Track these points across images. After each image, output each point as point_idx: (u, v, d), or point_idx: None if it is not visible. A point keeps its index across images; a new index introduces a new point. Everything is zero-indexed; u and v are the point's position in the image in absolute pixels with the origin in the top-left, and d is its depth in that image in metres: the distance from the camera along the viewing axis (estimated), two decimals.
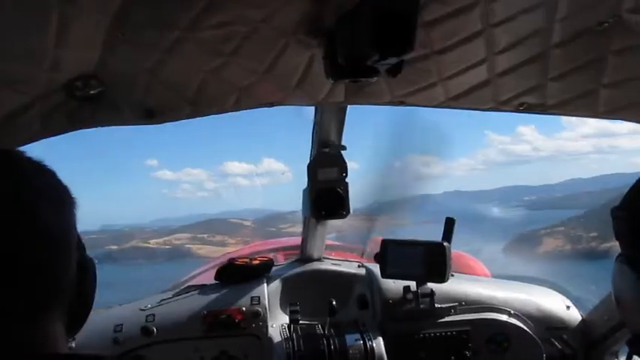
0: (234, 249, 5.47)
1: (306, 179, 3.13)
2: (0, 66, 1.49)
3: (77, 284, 1.08)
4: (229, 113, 1.95)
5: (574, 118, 2.01)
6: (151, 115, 1.82)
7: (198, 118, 1.94)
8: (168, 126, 1.94)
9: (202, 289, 3.42)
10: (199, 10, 1.39)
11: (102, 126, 1.80)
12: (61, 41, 1.42)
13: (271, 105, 1.92)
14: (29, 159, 1.09)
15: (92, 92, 1.66)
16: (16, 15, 1.33)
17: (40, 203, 1.00)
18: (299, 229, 3.63)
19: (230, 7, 1.40)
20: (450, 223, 3.16)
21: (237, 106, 1.89)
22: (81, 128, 1.77)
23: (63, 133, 1.76)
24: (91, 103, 1.70)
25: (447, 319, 3.22)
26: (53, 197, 1.05)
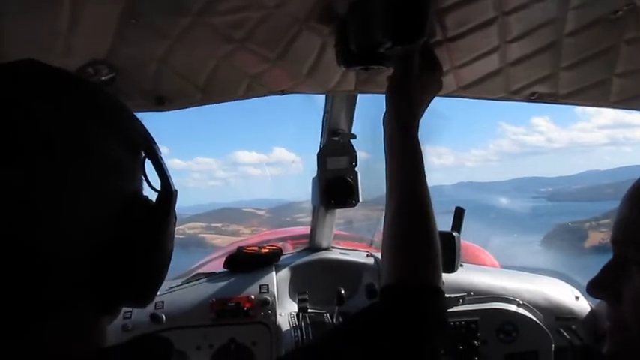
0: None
1: (316, 169, 3.14)
2: (11, 52, 1.49)
3: (126, 247, 0.90)
4: (239, 102, 1.95)
5: (589, 109, 2.01)
6: (161, 101, 1.83)
7: (207, 107, 1.94)
8: (178, 114, 1.95)
9: (211, 276, 3.43)
10: None
11: None
12: (73, 27, 1.42)
13: (282, 93, 1.92)
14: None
15: (103, 78, 1.66)
16: (27, 1, 1.33)
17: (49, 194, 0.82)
18: None
19: None
20: (459, 213, 3.14)
21: (248, 94, 1.89)
22: None
23: None
24: None
25: (455, 308, 3.21)
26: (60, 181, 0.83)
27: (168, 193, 1.00)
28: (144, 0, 1.37)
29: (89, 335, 0.91)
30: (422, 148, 1.54)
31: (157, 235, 0.97)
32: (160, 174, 1.00)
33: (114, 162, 0.92)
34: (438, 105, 1.73)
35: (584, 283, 1.18)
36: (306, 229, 3.71)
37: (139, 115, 1.09)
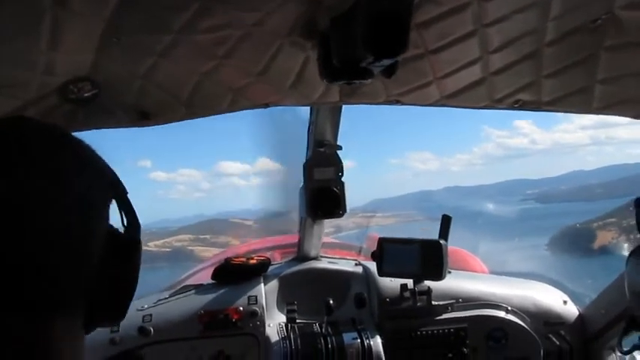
0: None
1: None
2: None
3: (105, 274, 0.97)
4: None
5: None
6: (145, 117, 1.82)
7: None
8: (160, 126, 1.94)
9: (199, 288, 3.42)
10: (192, 14, 1.38)
11: (95, 128, 1.80)
12: (55, 45, 1.41)
13: (266, 106, 1.92)
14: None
15: (86, 95, 1.65)
16: (8, 19, 1.32)
17: (35, 199, 0.87)
18: None
19: (222, 10, 1.40)
20: (446, 221, 3.16)
21: (232, 108, 1.89)
22: (74, 131, 1.77)
23: None
24: (84, 106, 1.70)
25: (444, 316, 3.23)
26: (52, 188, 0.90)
27: (138, 226, 1.10)
28: (125, 18, 1.37)
29: (70, 348, 0.93)
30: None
31: (135, 262, 1.08)
32: (129, 211, 1.09)
33: (89, 197, 0.98)
34: (420, 111, 1.73)
35: (585, 288, 1.18)
36: (295, 238, 3.71)
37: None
